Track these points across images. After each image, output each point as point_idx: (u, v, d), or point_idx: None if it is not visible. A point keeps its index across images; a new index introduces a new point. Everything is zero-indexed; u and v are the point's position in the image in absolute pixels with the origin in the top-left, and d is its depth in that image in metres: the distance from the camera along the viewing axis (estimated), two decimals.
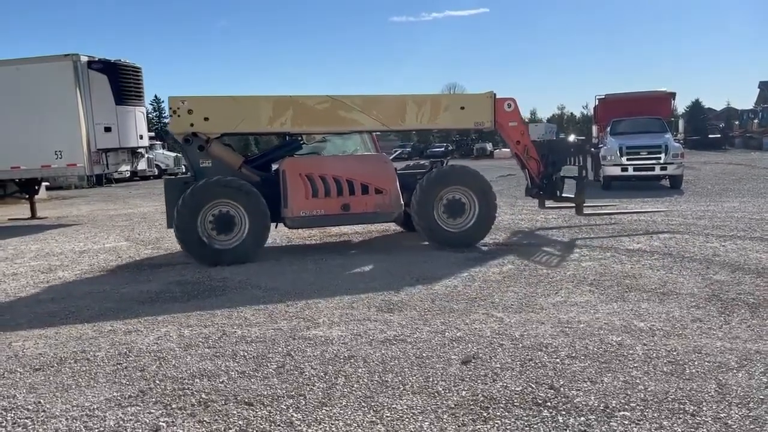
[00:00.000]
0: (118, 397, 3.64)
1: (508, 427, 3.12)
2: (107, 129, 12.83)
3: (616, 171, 15.86)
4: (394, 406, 3.40)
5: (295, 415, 3.33)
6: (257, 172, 8.19)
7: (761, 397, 3.34)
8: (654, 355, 4.02)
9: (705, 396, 3.38)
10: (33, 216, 14.68)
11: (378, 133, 9.94)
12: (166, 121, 42.58)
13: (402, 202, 8.22)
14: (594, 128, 21.26)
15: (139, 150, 14.55)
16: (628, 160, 15.61)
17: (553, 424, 3.12)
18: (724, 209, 11.26)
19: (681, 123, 19.84)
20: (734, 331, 4.47)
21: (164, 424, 3.28)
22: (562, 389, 3.52)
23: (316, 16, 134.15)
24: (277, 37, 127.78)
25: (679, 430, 3.03)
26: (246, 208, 7.60)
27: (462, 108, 8.59)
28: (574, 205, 9.26)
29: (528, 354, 4.11)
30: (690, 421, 3.10)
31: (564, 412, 3.24)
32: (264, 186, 7.91)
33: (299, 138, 8.67)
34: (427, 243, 8.36)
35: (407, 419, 3.24)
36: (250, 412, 3.38)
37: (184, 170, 24.36)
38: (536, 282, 6.16)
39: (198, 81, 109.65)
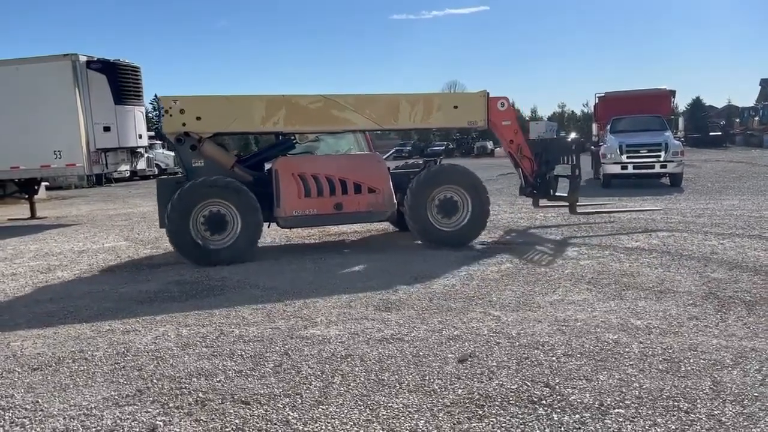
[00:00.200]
0: (116, 397, 3.66)
1: (503, 425, 3.13)
2: (106, 129, 12.83)
3: (616, 169, 15.86)
4: (390, 404, 3.42)
5: (292, 414, 3.34)
6: (250, 172, 8.17)
7: (755, 394, 3.36)
8: (650, 352, 4.03)
9: (699, 393, 3.39)
10: (32, 216, 14.69)
11: (374, 132, 9.94)
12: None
13: (395, 201, 8.21)
14: (594, 126, 21.23)
15: (139, 149, 14.55)
16: (628, 158, 15.61)
17: (548, 422, 3.13)
18: (724, 207, 11.27)
19: (681, 121, 19.85)
20: (730, 328, 4.49)
21: (161, 423, 3.29)
22: (557, 387, 3.53)
23: (316, 16, 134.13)
24: (277, 37, 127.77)
25: (673, 427, 3.04)
26: (236, 205, 7.58)
27: (455, 107, 8.59)
28: (567, 204, 9.28)
29: (524, 352, 4.12)
30: (684, 419, 3.11)
31: (559, 410, 3.25)
32: (257, 185, 7.90)
33: (292, 137, 8.66)
34: None
35: (403, 417, 3.26)
36: (246, 411, 3.39)
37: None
38: (534, 280, 6.18)
39: (198, 81, 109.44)
